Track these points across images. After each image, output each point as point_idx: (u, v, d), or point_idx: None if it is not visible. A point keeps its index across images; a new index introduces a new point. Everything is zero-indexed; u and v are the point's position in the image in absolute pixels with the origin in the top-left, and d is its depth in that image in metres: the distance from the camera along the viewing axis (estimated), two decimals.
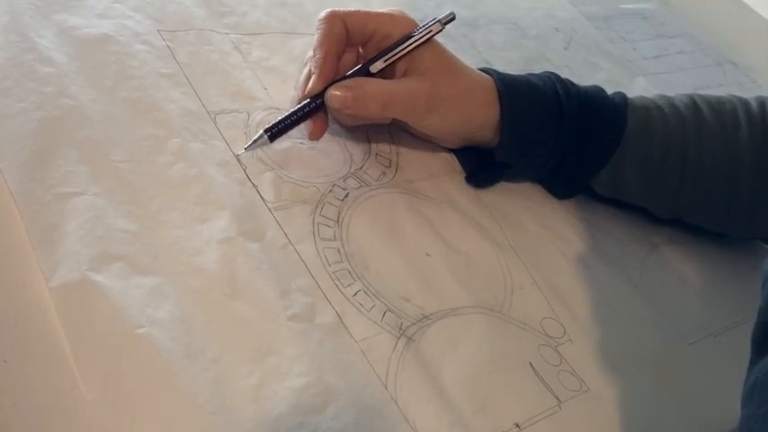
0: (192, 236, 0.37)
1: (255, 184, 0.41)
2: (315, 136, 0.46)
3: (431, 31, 0.45)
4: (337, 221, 0.41)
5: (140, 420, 0.30)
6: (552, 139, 0.46)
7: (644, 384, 0.41)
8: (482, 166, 0.48)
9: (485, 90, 0.46)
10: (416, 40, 0.45)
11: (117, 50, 0.44)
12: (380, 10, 0.46)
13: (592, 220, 0.50)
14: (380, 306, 0.38)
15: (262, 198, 0.41)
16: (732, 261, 0.52)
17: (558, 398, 0.38)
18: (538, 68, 0.63)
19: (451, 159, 0.49)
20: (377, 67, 0.45)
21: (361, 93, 0.43)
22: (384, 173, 0.46)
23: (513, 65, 0.61)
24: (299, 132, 0.45)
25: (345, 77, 0.44)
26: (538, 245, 0.46)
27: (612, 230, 0.50)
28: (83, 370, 0.31)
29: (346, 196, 0.43)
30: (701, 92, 0.52)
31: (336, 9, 0.45)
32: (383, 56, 0.45)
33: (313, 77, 0.44)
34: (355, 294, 0.38)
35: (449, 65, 0.46)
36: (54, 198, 0.35)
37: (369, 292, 0.39)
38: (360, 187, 0.44)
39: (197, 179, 0.40)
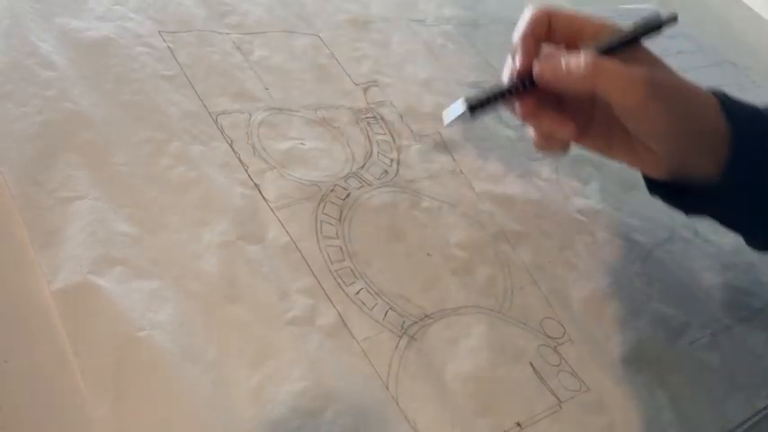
0: (192, 239, 0.37)
1: (257, 183, 0.41)
2: (525, 112, 0.41)
3: (649, 22, 0.42)
4: (339, 219, 0.42)
5: (141, 421, 0.30)
6: None
7: (643, 384, 0.41)
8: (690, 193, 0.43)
9: (707, 98, 0.41)
10: (637, 29, 0.42)
11: (118, 53, 0.44)
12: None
13: (593, 220, 0.50)
14: (382, 305, 0.38)
15: (264, 198, 0.41)
16: (733, 260, 0.52)
17: (558, 398, 0.38)
18: None
19: (452, 161, 0.49)
20: (600, 45, 0.41)
21: (571, 60, 0.39)
22: (386, 172, 0.46)
23: None
24: (298, 133, 0.45)
25: None
26: (538, 245, 0.46)
27: (613, 230, 0.50)
28: (84, 372, 0.31)
29: (348, 196, 0.43)
30: None
31: (543, 7, 0.42)
32: (608, 38, 0.41)
33: (516, 59, 0.42)
34: (357, 293, 0.38)
35: (662, 63, 0.42)
36: (55, 202, 0.36)
37: (371, 291, 0.39)
38: (361, 187, 0.44)
39: (197, 182, 0.40)
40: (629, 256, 0.49)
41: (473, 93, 0.41)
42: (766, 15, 0.91)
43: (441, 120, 0.52)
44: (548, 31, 0.42)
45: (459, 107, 0.41)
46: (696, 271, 0.50)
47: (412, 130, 0.50)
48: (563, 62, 0.40)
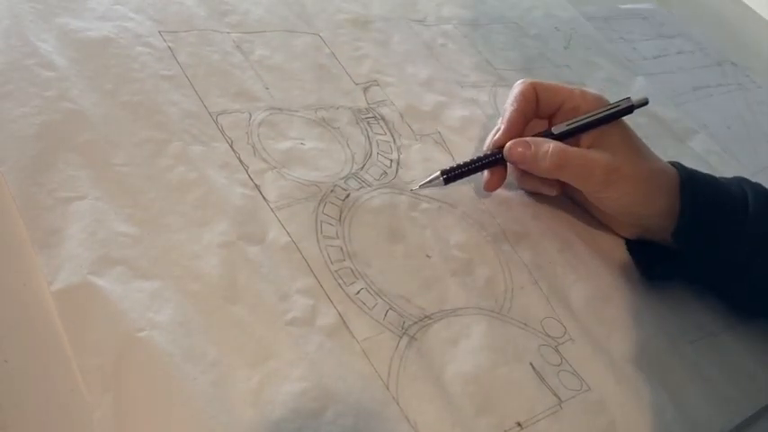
0: (192, 240, 0.37)
1: (258, 183, 0.41)
2: (490, 187, 0.47)
3: (618, 107, 0.46)
4: (339, 220, 0.42)
5: (140, 422, 0.30)
6: (736, 233, 0.44)
7: (644, 383, 0.41)
8: (657, 260, 0.47)
9: (669, 177, 0.46)
10: (602, 113, 0.46)
11: (118, 53, 0.44)
12: (572, 87, 0.49)
13: (593, 220, 0.50)
14: (383, 305, 0.38)
15: (264, 198, 0.41)
16: None
17: (558, 397, 0.38)
18: (538, 67, 0.63)
19: (452, 161, 0.49)
20: (559, 128, 0.46)
21: (539, 150, 0.45)
22: (385, 173, 0.46)
23: (514, 64, 0.62)
24: (298, 133, 0.45)
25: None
26: (538, 245, 0.46)
27: (614, 230, 0.50)
28: (84, 372, 0.31)
29: (347, 196, 0.43)
30: (701, 91, 0.52)
31: (528, 79, 0.48)
32: (568, 121, 0.46)
33: (499, 131, 0.47)
34: (358, 293, 0.38)
35: (636, 147, 0.47)
36: (55, 202, 0.36)
37: (371, 291, 0.39)
38: (361, 188, 0.44)
39: (197, 183, 0.40)
40: (629, 256, 0.49)
41: (448, 166, 0.46)
42: (766, 15, 0.91)
43: (440, 120, 0.52)
44: (536, 103, 0.47)
45: (434, 176, 0.46)
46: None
47: (412, 130, 0.50)
48: (532, 148, 0.45)
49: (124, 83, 0.43)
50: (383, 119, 0.50)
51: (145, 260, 0.35)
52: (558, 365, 0.40)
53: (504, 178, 0.47)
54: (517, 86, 0.48)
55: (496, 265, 0.44)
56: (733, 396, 0.43)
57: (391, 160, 0.47)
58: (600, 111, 0.46)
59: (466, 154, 0.50)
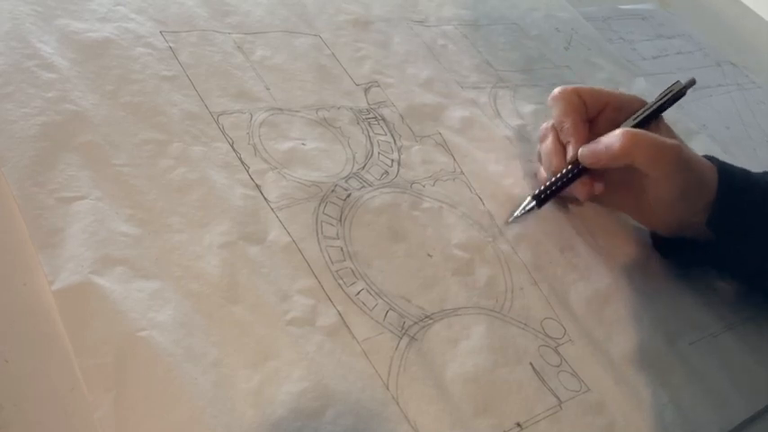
0: (193, 240, 0.37)
1: (258, 184, 0.41)
2: (584, 197, 0.47)
3: (672, 90, 0.47)
4: (340, 220, 0.42)
5: (141, 422, 0.30)
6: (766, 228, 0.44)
7: (644, 384, 0.41)
8: (685, 247, 0.47)
9: (710, 171, 0.46)
10: (662, 99, 0.47)
11: (119, 54, 0.44)
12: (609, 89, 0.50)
13: (593, 220, 0.50)
14: (383, 305, 0.38)
15: (265, 198, 0.41)
16: None
17: (558, 398, 0.38)
18: (539, 68, 0.63)
19: (452, 162, 0.49)
20: (626, 125, 0.46)
21: (607, 139, 0.44)
22: (386, 172, 0.46)
23: (514, 65, 0.62)
24: (299, 134, 0.45)
25: None
26: (538, 245, 0.46)
27: (614, 231, 0.50)
28: (85, 371, 0.31)
29: (348, 196, 0.43)
30: (701, 91, 0.52)
31: (566, 86, 0.48)
32: (634, 116, 0.47)
33: (570, 146, 0.47)
34: (358, 293, 0.38)
35: (681, 140, 0.47)
36: (56, 202, 0.36)
37: (371, 291, 0.39)
38: (362, 187, 0.44)
39: (198, 183, 0.40)
40: (630, 257, 0.49)
41: (537, 189, 0.47)
42: (766, 15, 0.92)
43: (440, 121, 0.52)
44: (585, 107, 0.47)
45: (527, 203, 0.47)
46: (697, 272, 0.50)
47: (412, 131, 0.50)
48: (601, 142, 0.45)
49: (125, 84, 0.43)
50: (384, 120, 0.50)
51: (146, 260, 0.35)
52: (558, 366, 0.40)
53: (593, 186, 0.47)
54: (559, 98, 0.47)
55: (497, 265, 0.44)
56: (733, 396, 0.43)
57: (392, 160, 0.47)
58: (658, 99, 0.47)
59: (467, 154, 0.50)
